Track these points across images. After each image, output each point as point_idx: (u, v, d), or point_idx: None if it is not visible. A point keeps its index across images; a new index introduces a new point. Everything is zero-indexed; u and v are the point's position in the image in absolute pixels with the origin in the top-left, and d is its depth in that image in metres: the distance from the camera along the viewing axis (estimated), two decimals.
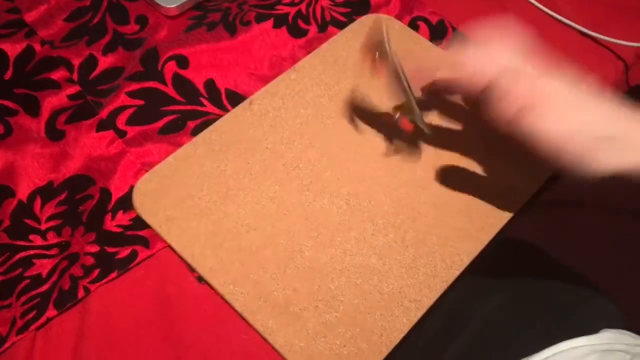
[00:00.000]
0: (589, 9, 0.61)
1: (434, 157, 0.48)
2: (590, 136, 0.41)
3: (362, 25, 0.57)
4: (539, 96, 0.42)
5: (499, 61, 0.44)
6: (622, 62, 0.57)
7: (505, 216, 0.46)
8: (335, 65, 0.53)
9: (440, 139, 0.49)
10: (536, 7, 0.61)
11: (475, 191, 0.47)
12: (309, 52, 0.56)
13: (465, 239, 0.45)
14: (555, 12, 0.60)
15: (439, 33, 0.58)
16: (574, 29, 0.59)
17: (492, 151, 0.46)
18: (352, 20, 0.58)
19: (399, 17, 0.59)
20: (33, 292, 0.43)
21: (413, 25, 0.59)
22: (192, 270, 0.44)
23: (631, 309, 0.54)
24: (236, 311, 0.42)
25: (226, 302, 0.43)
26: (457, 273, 0.43)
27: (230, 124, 0.49)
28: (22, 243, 0.45)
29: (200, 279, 0.44)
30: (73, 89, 0.52)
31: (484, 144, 0.47)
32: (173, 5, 0.57)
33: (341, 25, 0.58)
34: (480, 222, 0.45)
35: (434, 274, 0.43)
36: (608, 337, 0.52)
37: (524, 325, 0.54)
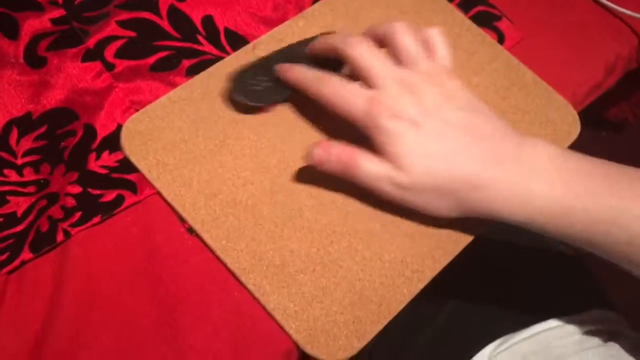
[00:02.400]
0: None
1: None
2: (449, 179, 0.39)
3: None
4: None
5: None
6: (636, 36, 0.56)
7: None
8: (347, 16, 0.51)
9: None
10: None
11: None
12: None
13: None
14: None
15: None
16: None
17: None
18: None
19: None
20: (6, 232, 0.40)
21: None
22: (182, 220, 0.42)
23: None
24: (228, 268, 0.40)
25: (218, 258, 0.41)
26: (461, 247, 0.42)
27: (231, 68, 0.46)
28: None
29: (191, 230, 0.42)
30: (57, 13, 0.48)
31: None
32: None
33: None
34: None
35: (439, 245, 0.42)
36: (594, 316, 0.53)
37: (508, 303, 0.55)
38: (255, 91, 0.45)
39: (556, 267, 0.58)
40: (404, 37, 0.41)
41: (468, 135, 0.39)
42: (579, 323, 0.51)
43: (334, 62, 0.44)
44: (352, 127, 0.41)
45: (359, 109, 0.39)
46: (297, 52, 0.46)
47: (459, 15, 0.52)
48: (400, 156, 0.38)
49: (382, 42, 0.43)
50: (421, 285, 0.41)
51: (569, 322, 0.51)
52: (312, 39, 0.46)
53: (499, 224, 0.41)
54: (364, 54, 0.40)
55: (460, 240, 0.43)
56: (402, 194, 0.39)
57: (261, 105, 0.45)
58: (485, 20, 0.54)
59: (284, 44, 0.48)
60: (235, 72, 0.46)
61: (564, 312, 0.52)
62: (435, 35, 0.43)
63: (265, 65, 0.46)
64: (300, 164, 0.44)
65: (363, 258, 0.41)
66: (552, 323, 0.51)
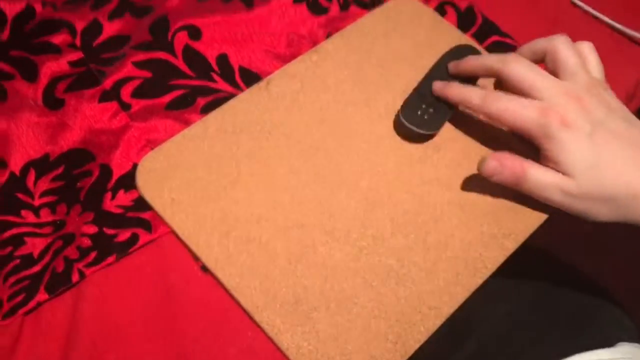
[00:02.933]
0: (627, 4, 0.59)
1: (460, 155, 0.46)
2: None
3: (390, 9, 0.54)
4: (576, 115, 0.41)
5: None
6: None
7: (534, 223, 0.44)
8: (360, 49, 0.51)
9: (469, 133, 0.47)
10: (570, 0, 0.59)
11: (504, 193, 0.45)
12: (328, 32, 0.54)
13: (490, 245, 0.43)
14: (590, 6, 0.58)
15: (467, 20, 0.56)
16: (608, 24, 0.57)
17: (523, 153, 0.44)
18: (375, 1, 0.56)
19: (425, 1, 0.57)
20: (23, 274, 0.41)
21: (440, 10, 0.56)
22: (196, 259, 0.42)
23: None
24: (242, 307, 0.40)
25: (231, 296, 0.41)
26: (480, 281, 0.42)
27: (244, 105, 0.47)
28: (12, 219, 0.42)
29: (205, 268, 0.42)
30: (75, 55, 0.50)
31: (515, 144, 0.45)
32: None
33: (364, 5, 0.56)
34: (507, 228, 0.44)
35: (456, 281, 0.41)
36: (626, 351, 0.51)
37: (535, 335, 0.53)
38: (423, 120, 0.46)
39: (583, 299, 0.56)
40: (565, 51, 0.44)
41: (632, 146, 0.41)
42: (608, 357, 0.49)
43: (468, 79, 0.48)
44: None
45: (531, 120, 0.41)
46: (441, 72, 0.49)
47: (475, 46, 0.52)
48: (571, 165, 0.41)
49: (538, 57, 0.46)
50: (439, 322, 0.40)
51: (598, 356, 0.50)
52: (446, 55, 0.49)
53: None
54: (525, 70, 0.43)
55: (478, 275, 0.42)
56: (569, 201, 0.41)
57: (432, 133, 0.47)
58: (500, 50, 0.53)
59: (297, 80, 0.49)
60: (403, 104, 0.48)
61: (593, 346, 0.51)
62: (588, 49, 0.45)
63: (421, 93, 0.48)
64: (314, 199, 0.44)
65: (378, 294, 0.41)
66: (582, 357, 0.50)
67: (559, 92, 0.42)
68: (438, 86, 0.47)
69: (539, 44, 0.45)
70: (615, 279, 0.59)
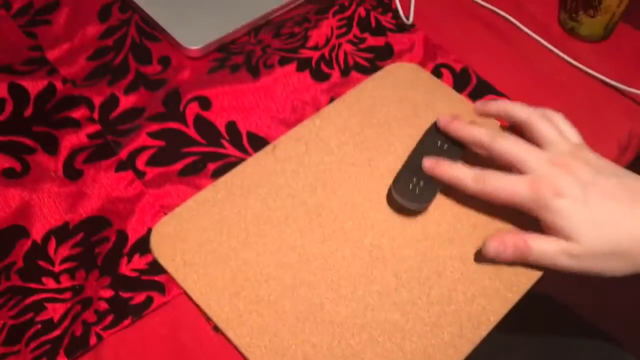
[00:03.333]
0: (614, 59, 0.62)
1: (461, 210, 0.48)
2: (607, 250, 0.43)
3: (388, 73, 0.57)
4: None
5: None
6: None
7: (535, 274, 0.45)
8: (361, 112, 0.54)
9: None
10: (560, 57, 0.61)
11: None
12: (331, 97, 0.57)
13: (493, 297, 0.44)
14: (580, 62, 0.61)
15: (462, 81, 0.59)
16: (599, 79, 0.60)
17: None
18: (375, 66, 0.59)
19: (422, 64, 0.60)
20: (44, 338, 0.42)
21: (436, 72, 0.59)
22: (208, 319, 0.44)
23: None
24: None
25: (242, 355, 0.42)
26: (484, 334, 0.43)
27: (252, 168, 0.50)
28: (34, 286, 0.45)
29: (217, 328, 0.43)
30: (93, 128, 0.53)
31: None
32: (196, 47, 0.58)
33: (364, 70, 0.59)
34: (509, 280, 0.45)
35: (460, 334, 0.42)
36: None
37: None
38: (414, 194, 0.48)
39: (592, 348, 0.56)
40: (541, 123, 0.47)
41: (626, 197, 0.43)
42: None
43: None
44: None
45: (523, 195, 0.44)
46: (429, 146, 0.51)
47: (470, 105, 0.55)
48: (571, 229, 0.43)
49: (512, 123, 0.50)
50: None
51: None
52: (431, 129, 0.52)
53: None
54: (511, 146, 0.46)
55: (481, 327, 0.43)
56: (578, 263, 0.43)
57: (423, 206, 0.48)
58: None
59: (301, 143, 0.51)
60: (395, 179, 0.49)
61: None
62: (561, 120, 0.49)
63: (411, 167, 0.49)
64: (320, 257, 0.46)
65: (384, 350, 0.42)
66: None
67: (545, 162, 0.44)
68: (428, 164, 0.48)
69: (516, 115, 0.49)
70: (623, 323, 0.60)
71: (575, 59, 0.61)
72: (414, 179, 0.48)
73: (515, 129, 0.50)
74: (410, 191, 0.47)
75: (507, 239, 0.44)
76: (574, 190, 0.43)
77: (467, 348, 0.42)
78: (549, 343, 0.56)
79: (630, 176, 0.45)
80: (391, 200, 0.49)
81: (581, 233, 0.42)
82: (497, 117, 0.51)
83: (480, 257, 0.46)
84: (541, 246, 0.43)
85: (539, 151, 0.46)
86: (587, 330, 0.58)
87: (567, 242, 0.43)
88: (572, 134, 0.48)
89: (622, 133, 0.55)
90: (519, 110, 0.49)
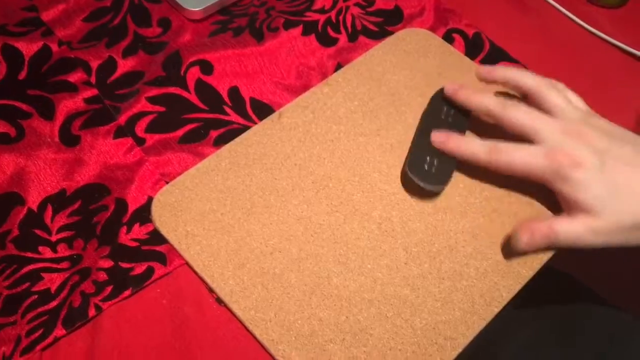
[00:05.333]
0: (632, 26, 0.60)
1: (473, 183, 0.47)
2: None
3: (399, 39, 0.55)
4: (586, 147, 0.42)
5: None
6: None
7: (550, 249, 0.44)
8: (370, 80, 0.52)
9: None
10: (576, 23, 0.60)
11: (517, 220, 0.45)
12: (338, 62, 0.55)
13: (505, 274, 0.43)
14: (596, 28, 0.59)
15: (475, 47, 0.57)
16: (617, 46, 0.58)
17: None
18: (383, 30, 0.57)
19: (432, 29, 0.58)
20: (40, 309, 0.41)
21: (448, 38, 0.57)
22: (211, 291, 0.43)
23: None
24: (257, 339, 0.41)
25: (246, 328, 0.41)
26: (496, 310, 0.42)
27: (257, 137, 0.48)
28: (30, 255, 0.43)
29: (220, 300, 0.42)
30: (90, 93, 0.51)
31: None
32: (198, 9, 0.56)
33: (372, 35, 0.57)
34: (522, 256, 0.44)
35: (472, 310, 0.42)
36: None
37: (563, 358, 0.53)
38: (429, 174, 0.46)
39: (606, 323, 0.56)
40: (551, 93, 0.45)
41: None
42: None
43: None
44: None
45: (540, 167, 0.43)
46: (436, 112, 0.49)
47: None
48: (592, 201, 0.41)
49: (519, 91, 0.48)
50: (455, 354, 0.40)
51: None
52: (433, 101, 0.50)
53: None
54: (523, 116, 0.45)
55: (493, 304, 0.42)
56: (603, 238, 0.42)
57: (440, 189, 0.47)
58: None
59: (308, 111, 0.50)
60: (408, 157, 0.48)
61: None
62: (563, 86, 0.47)
63: (422, 144, 0.47)
64: (327, 229, 0.44)
65: (394, 325, 0.41)
66: None
67: (558, 131, 0.43)
68: (438, 139, 0.47)
69: (524, 83, 0.47)
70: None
71: (592, 26, 0.59)
72: (428, 158, 0.46)
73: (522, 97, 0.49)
74: (427, 172, 0.46)
75: (534, 228, 0.43)
76: (592, 160, 0.42)
77: (479, 325, 0.41)
78: (561, 318, 0.56)
79: None
80: (407, 182, 0.47)
81: (602, 205, 0.41)
82: (503, 84, 0.49)
83: (490, 223, 0.45)
84: (566, 228, 0.42)
85: (552, 120, 0.44)
86: (600, 304, 0.57)
87: (590, 217, 0.41)
88: (578, 102, 0.47)
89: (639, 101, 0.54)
90: (527, 78, 0.47)
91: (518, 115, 0.45)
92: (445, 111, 0.49)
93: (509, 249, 0.44)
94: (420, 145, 0.47)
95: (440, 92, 0.50)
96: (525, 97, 0.47)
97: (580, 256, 0.48)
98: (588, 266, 0.62)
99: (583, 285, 0.61)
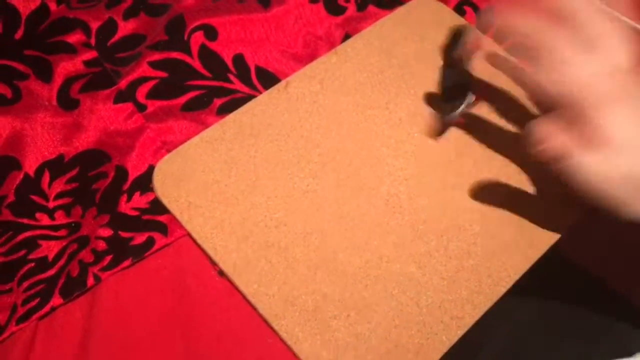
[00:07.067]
0: None
1: (483, 160, 0.46)
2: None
3: (410, 10, 0.54)
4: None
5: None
6: None
7: (558, 230, 0.44)
8: (380, 51, 0.51)
9: (492, 139, 0.47)
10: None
11: (528, 201, 0.44)
12: (346, 32, 0.53)
13: (513, 254, 0.43)
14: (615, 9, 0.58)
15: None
16: (633, 27, 0.57)
17: None
18: (393, 0, 0.56)
19: (444, 1, 0.56)
20: (37, 277, 0.41)
21: (459, 9, 0.56)
22: (213, 263, 0.42)
23: None
24: (259, 314, 0.40)
25: (249, 302, 0.40)
26: (503, 290, 0.42)
27: (263, 107, 0.47)
28: (27, 221, 0.42)
29: (222, 273, 0.42)
30: (90, 55, 0.50)
31: None
32: None
33: (382, 5, 0.56)
34: (531, 236, 0.43)
35: (479, 290, 0.41)
36: None
37: (551, 344, 0.53)
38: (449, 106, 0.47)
39: (602, 307, 0.56)
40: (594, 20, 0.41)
41: None
42: None
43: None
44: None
45: (567, 93, 0.39)
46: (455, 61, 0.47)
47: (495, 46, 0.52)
48: (621, 138, 0.38)
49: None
50: (460, 333, 0.40)
51: None
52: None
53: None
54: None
55: (501, 284, 0.42)
56: (611, 184, 0.38)
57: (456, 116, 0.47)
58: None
59: (316, 82, 0.49)
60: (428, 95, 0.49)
61: (611, 355, 0.50)
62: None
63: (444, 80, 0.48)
64: (333, 204, 0.44)
65: (399, 303, 0.41)
66: None
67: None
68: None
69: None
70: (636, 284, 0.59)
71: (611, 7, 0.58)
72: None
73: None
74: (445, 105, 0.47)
75: (558, 132, 0.39)
76: (618, 93, 0.38)
77: (485, 305, 0.41)
78: (558, 301, 0.56)
79: None
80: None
81: (631, 147, 0.38)
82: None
83: (499, 202, 0.44)
84: (584, 157, 0.38)
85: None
86: (602, 291, 0.57)
87: (610, 151, 0.38)
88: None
89: None
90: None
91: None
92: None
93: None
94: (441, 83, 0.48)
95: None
96: None
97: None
98: (591, 251, 0.62)
99: (582, 268, 0.61)
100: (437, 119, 0.47)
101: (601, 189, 0.40)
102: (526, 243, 0.43)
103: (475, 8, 0.56)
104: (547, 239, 0.44)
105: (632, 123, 0.39)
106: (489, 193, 0.45)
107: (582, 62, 0.40)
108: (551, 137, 0.39)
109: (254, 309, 0.40)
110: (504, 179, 0.46)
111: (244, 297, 0.41)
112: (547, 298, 0.57)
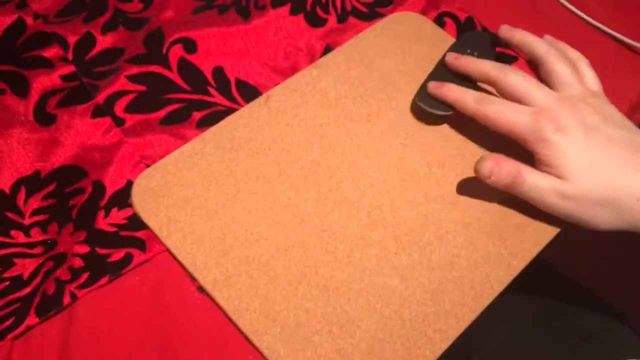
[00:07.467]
0: (626, 14, 0.60)
1: (465, 172, 0.46)
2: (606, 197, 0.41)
3: (391, 23, 0.54)
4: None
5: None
6: None
7: (542, 241, 0.44)
8: (361, 64, 0.51)
9: (473, 150, 0.47)
10: (570, 11, 0.59)
11: (509, 212, 0.44)
12: (327, 44, 0.54)
13: (497, 265, 0.43)
14: (589, 16, 0.58)
15: (467, 31, 0.56)
16: (609, 34, 0.57)
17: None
18: (374, 12, 0.56)
19: (424, 12, 0.57)
20: (12, 296, 0.40)
21: (439, 21, 0.56)
22: (193, 279, 0.41)
23: None
24: (241, 330, 0.39)
25: (230, 319, 0.40)
26: (487, 302, 0.41)
27: (243, 120, 0.47)
28: (2, 239, 0.42)
29: (202, 289, 0.41)
30: (67, 69, 0.49)
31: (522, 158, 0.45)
32: None
33: (363, 17, 0.56)
34: (514, 247, 0.43)
35: (462, 302, 0.41)
36: None
37: (539, 354, 0.53)
38: (437, 101, 0.48)
39: (590, 317, 0.56)
40: (559, 64, 0.45)
41: (629, 151, 0.42)
42: None
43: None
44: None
45: (523, 125, 0.42)
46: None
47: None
48: (566, 167, 0.41)
49: (532, 59, 0.48)
50: (444, 346, 0.40)
51: None
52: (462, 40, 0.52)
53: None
54: (521, 79, 0.45)
55: (484, 296, 0.42)
56: (567, 205, 0.42)
57: (446, 113, 0.48)
58: (504, 60, 0.53)
59: (297, 95, 0.48)
60: (419, 89, 0.50)
61: None
62: (581, 61, 0.47)
63: (436, 77, 0.50)
64: (315, 217, 0.43)
65: (382, 317, 0.40)
66: None
67: (553, 100, 0.43)
68: (433, 86, 0.48)
69: (535, 49, 0.47)
70: (625, 296, 0.59)
71: (586, 14, 0.58)
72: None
73: (533, 65, 0.49)
74: (433, 99, 0.48)
75: (502, 161, 0.42)
76: (577, 131, 0.42)
77: (470, 317, 0.41)
78: (547, 310, 0.56)
79: (638, 134, 0.43)
80: (415, 109, 0.49)
81: (575, 173, 0.41)
82: (518, 47, 0.49)
83: (482, 213, 0.45)
84: (534, 178, 0.42)
85: (550, 91, 0.44)
86: (588, 299, 0.57)
87: (561, 180, 0.41)
88: (592, 81, 0.46)
89: (633, 92, 0.54)
90: (539, 45, 0.47)
91: (516, 79, 0.44)
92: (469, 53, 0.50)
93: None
94: (432, 78, 0.49)
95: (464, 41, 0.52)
96: (535, 66, 0.48)
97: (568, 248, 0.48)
98: (577, 260, 0.62)
99: (569, 279, 0.61)
100: (426, 114, 0.48)
101: (559, 207, 0.42)
102: (509, 253, 0.43)
103: (456, 19, 0.57)
104: (530, 249, 0.44)
105: (576, 153, 0.41)
106: (472, 204, 0.45)
107: (536, 94, 0.43)
108: (495, 170, 0.42)
109: (235, 325, 0.40)
110: (485, 190, 0.46)
111: (225, 313, 0.40)
112: (534, 309, 0.57)
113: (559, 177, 0.41)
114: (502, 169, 0.42)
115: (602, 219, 0.41)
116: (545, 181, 0.42)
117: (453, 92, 0.46)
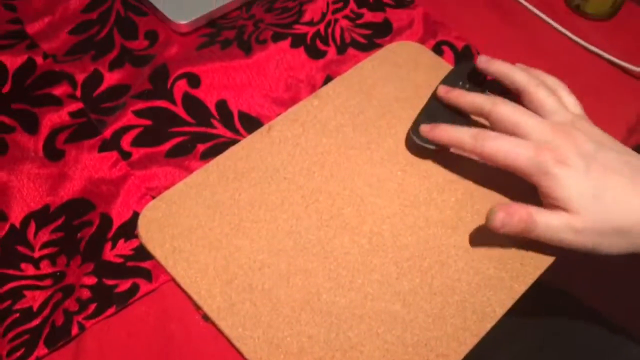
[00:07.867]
0: (621, 38, 0.61)
1: (465, 196, 0.47)
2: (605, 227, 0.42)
3: (389, 52, 0.56)
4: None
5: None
6: None
7: (542, 264, 0.44)
8: (361, 93, 0.52)
9: (472, 175, 0.48)
10: (566, 36, 0.60)
11: (509, 235, 0.45)
12: (327, 75, 0.55)
13: (498, 288, 0.43)
14: (585, 40, 0.59)
15: (465, 59, 0.57)
16: (605, 59, 0.58)
17: (529, 191, 0.44)
18: (373, 43, 0.58)
19: (421, 41, 0.58)
20: (22, 328, 0.41)
21: (437, 50, 0.58)
22: (197, 308, 0.42)
23: None
24: (244, 357, 0.40)
25: (234, 346, 0.41)
26: (489, 326, 0.42)
27: (246, 151, 0.48)
28: (12, 272, 0.43)
29: (206, 317, 0.42)
30: (75, 106, 0.51)
31: (519, 182, 0.45)
32: (185, 21, 0.56)
33: (361, 48, 0.57)
34: (515, 270, 0.44)
35: (464, 326, 0.41)
36: None
37: None
38: None
39: (599, 338, 0.56)
40: (540, 93, 0.46)
41: (626, 175, 0.42)
42: None
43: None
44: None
45: (524, 158, 0.43)
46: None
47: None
48: (572, 200, 0.41)
49: (515, 89, 0.49)
50: None
51: None
52: (452, 73, 0.53)
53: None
54: (511, 111, 0.45)
55: (486, 320, 0.42)
56: (580, 239, 0.42)
57: (438, 147, 0.48)
58: (499, 87, 0.54)
59: (298, 124, 0.50)
60: (413, 122, 0.50)
61: None
62: (559, 86, 0.49)
63: (430, 110, 0.51)
64: (317, 244, 0.44)
65: (384, 342, 0.41)
66: None
67: (547, 129, 0.44)
68: (425, 130, 0.48)
69: (515, 80, 0.48)
70: (628, 314, 0.59)
71: (580, 38, 0.60)
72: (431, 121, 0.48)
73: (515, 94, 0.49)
74: None
75: (513, 209, 0.42)
76: (577, 162, 0.42)
77: (472, 341, 0.41)
78: (554, 332, 0.56)
79: (629, 153, 0.44)
80: (410, 144, 0.50)
81: (582, 205, 0.41)
82: (497, 77, 0.50)
83: (482, 237, 0.45)
84: (546, 219, 0.42)
85: (540, 118, 0.45)
86: (590, 316, 0.57)
87: (570, 215, 0.41)
88: (573, 105, 0.47)
89: (630, 114, 0.54)
90: (518, 75, 0.48)
91: (507, 110, 0.45)
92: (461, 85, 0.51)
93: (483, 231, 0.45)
94: (427, 112, 0.50)
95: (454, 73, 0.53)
96: (519, 96, 0.48)
97: (570, 270, 0.48)
98: (581, 280, 0.62)
99: (573, 299, 0.61)
100: (421, 148, 0.49)
101: (574, 242, 0.42)
102: (510, 277, 0.44)
103: (454, 48, 0.58)
104: (531, 272, 0.44)
105: (581, 185, 0.42)
106: (472, 229, 0.46)
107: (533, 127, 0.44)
108: (506, 220, 0.43)
109: (239, 352, 0.40)
110: (485, 215, 0.46)
111: (229, 341, 0.41)
112: (542, 330, 0.57)
113: (565, 210, 0.42)
114: (513, 217, 0.42)
115: (616, 245, 0.42)
116: (557, 220, 0.42)
117: (447, 133, 0.46)
